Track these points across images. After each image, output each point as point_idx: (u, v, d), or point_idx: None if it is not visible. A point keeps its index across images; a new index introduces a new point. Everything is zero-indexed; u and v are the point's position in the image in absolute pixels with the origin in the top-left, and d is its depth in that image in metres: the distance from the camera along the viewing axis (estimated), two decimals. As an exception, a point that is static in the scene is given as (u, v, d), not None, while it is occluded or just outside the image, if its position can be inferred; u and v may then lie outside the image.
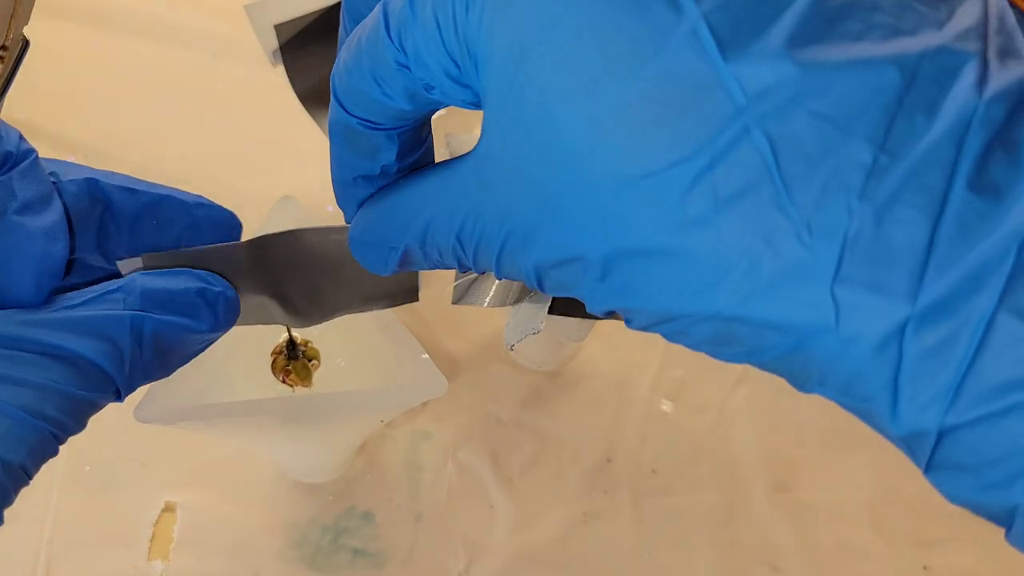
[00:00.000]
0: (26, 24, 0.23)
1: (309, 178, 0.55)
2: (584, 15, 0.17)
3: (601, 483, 0.44)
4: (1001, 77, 0.17)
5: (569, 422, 0.46)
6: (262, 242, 0.27)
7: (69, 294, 0.24)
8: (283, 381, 0.37)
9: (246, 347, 0.38)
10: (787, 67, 0.17)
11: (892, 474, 0.46)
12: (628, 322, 0.21)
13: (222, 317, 0.26)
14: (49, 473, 0.42)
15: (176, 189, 0.28)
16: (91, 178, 0.27)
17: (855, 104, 0.17)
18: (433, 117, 0.42)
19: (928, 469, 0.18)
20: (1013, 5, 0.19)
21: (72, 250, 0.26)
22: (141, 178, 0.28)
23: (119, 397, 0.24)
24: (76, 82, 0.57)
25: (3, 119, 0.24)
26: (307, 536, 0.42)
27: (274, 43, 0.40)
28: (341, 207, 0.26)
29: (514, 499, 0.44)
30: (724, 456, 0.46)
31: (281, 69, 0.41)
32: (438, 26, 0.19)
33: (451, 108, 0.42)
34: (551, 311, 0.32)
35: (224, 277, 0.26)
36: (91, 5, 0.63)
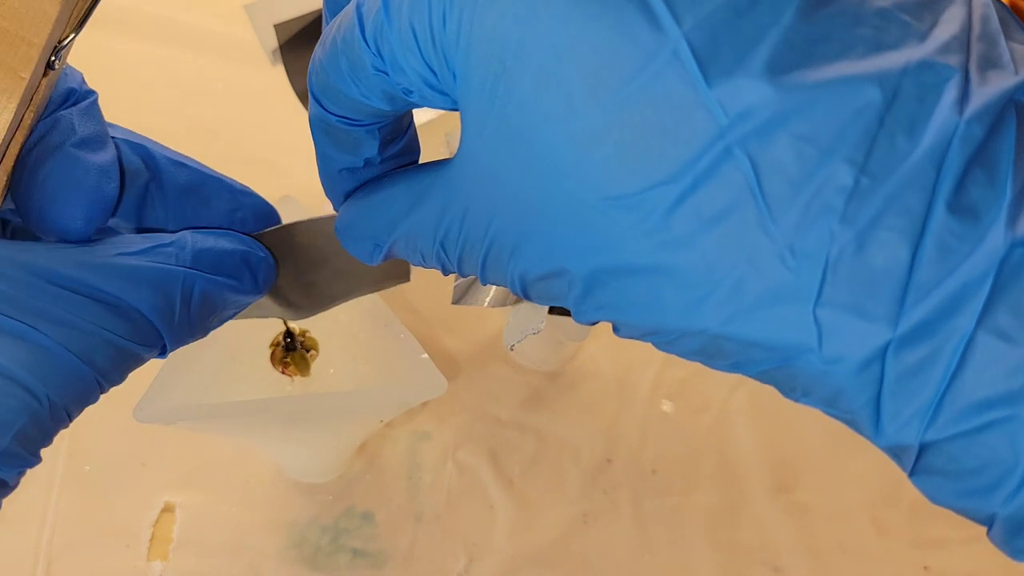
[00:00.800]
0: None
1: (309, 177, 0.54)
2: (563, 34, 0.17)
3: (601, 483, 0.44)
4: (981, 94, 0.17)
5: (569, 422, 0.46)
6: (256, 239, 0.27)
7: (122, 237, 0.24)
8: (282, 372, 0.36)
9: (245, 347, 0.38)
10: (768, 88, 0.17)
11: (893, 475, 0.46)
12: (616, 331, 0.21)
13: (262, 281, 0.26)
14: (49, 473, 0.42)
15: (222, 174, 0.28)
16: (143, 144, 0.26)
17: (836, 125, 0.17)
18: (433, 118, 0.43)
19: (912, 474, 0.18)
20: (1015, 7, 0.18)
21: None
22: None
23: (163, 353, 0.24)
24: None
25: None
26: (306, 536, 0.42)
27: (274, 43, 0.40)
28: (328, 198, 0.26)
29: (514, 499, 0.44)
30: (725, 456, 0.46)
31: (280, 69, 0.41)
32: (415, 35, 0.19)
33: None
34: (551, 311, 0.32)
35: None
36: (91, 5, 0.63)
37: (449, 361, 0.48)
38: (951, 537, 0.44)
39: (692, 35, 0.17)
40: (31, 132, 0.23)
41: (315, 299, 0.30)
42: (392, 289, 0.31)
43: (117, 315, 0.22)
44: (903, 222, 0.16)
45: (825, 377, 0.18)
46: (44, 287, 0.21)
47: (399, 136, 0.24)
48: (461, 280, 0.35)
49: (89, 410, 0.23)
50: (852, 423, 0.19)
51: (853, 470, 0.46)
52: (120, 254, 0.23)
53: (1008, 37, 0.18)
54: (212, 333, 0.26)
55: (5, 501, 0.22)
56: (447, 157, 0.41)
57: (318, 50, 0.22)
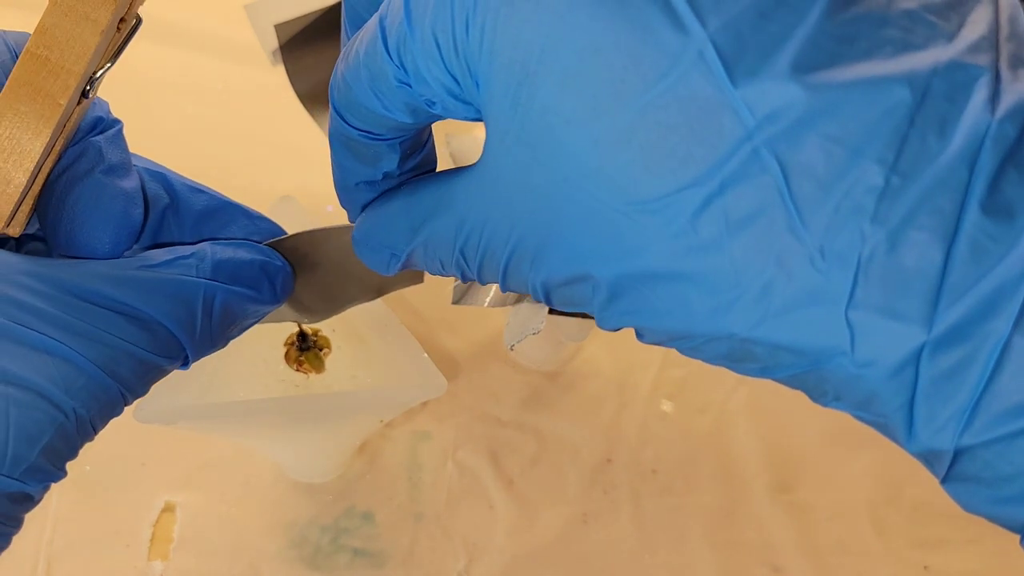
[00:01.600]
0: (143, 2, 0.24)
1: (309, 178, 0.55)
2: (587, 36, 0.17)
3: (601, 483, 0.44)
4: (1013, 92, 0.17)
5: (569, 422, 0.46)
6: (273, 247, 0.27)
7: (144, 253, 0.24)
8: (297, 370, 0.37)
9: (246, 347, 0.38)
10: (796, 88, 0.16)
11: (893, 474, 0.46)
12: (640, 336, 0.20)
13: (280, 291, 0.27)
14: (49, 473, 0.42)
15: (238, 201, 0.28)
16: (161, 172, 0.27)
17: (866, 125, 0.16)
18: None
19: (945, 480, 0.18)
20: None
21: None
22: None
23: (185, 364, 0.24)
24: (76, 82, 0.56)
25: None
26: (307, 536, 0.42)
27: (274, 43, 0.40)
28: (345, 209, 0.26)
29: (514, 499, 0.44)
30: (724, 456, 0.46)
31: (281, 69, 0.41)
32: (437, 45, 0.19)
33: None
34: (551, 311, 0.32)
35: None
36: (91, 5, 0.63)
37: (449, 361, 0.48)
38: (951, 537, 0.44)
39: (717, 36, 0.17)
40: (60, 158, 0.24)
41: (329, 303, 0.30)
42: (392, 290, 0.31)
43: (141, 328, 0.22)
44: (936, 222, 0.16)
45: (857, 381, 0.18)
46: (71, 301, 0.21)
47: (419, 149, 0.24)
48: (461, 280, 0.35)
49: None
50: (884, 428, 0.19)
51: (853, 470, 0.46)
52: (143, 267, 0.23)
53: None
54: None
55: None
56: (448, 158, 0.41)
57: (340, 65, 0.22)
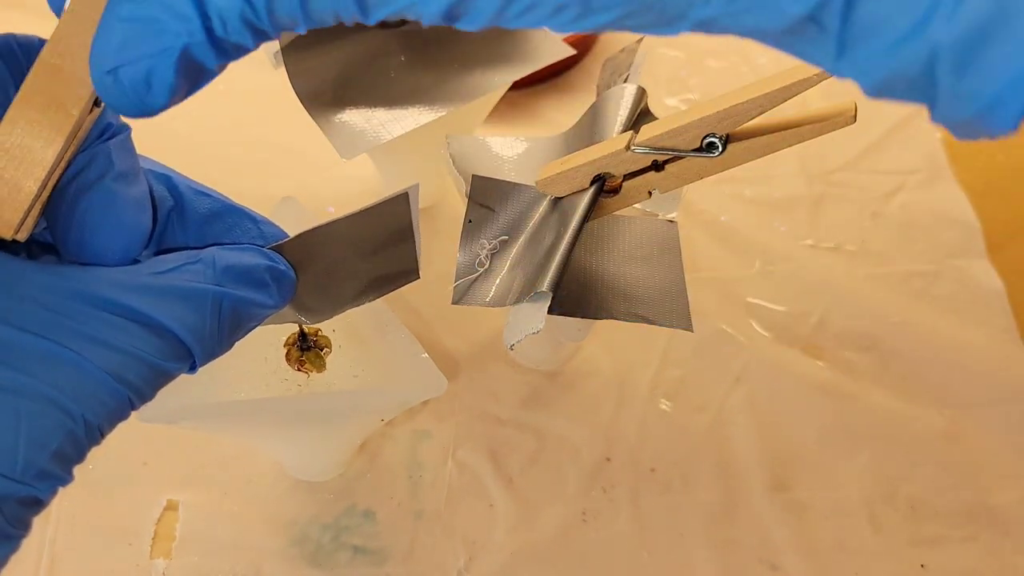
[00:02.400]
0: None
1: (310, 179, 0.55)
2: None
3: (600, 482, 0.45)
4: None
5: (568, 421, 0.47)
6: (274, 250, 0.27)
7: (153, 260, 0.24)
8: (298, 370, 0.37)
9: (248, 347, 0.38)
10: None
11: (890, 473, 0.46)
12: None
13: (285, 294, 0.27)
14: (52, 472, 0.42)
15: (243, 205, 0.28)
16: (166, 174, 0.27)
17: None
18: (432, 118, 0.43)
19: (840, 53, 0.18)
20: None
21: None
22: None
23: (192, 369, 0.25)
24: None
25: None
26: (308, 534, 0.42)
27: (275, 45, 0.40)
28: None
29: (514, 498, 0.44)
30: (723, 455, 0.46)
31: (282, 71, 0.41)
32: None
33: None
34: (551, 311, 0.32)
35: None
36: (93, 6, 0.64)
37: (449, 360, 0.48)
38: (948, 535, 0.44)
39: None
40: (69, 164, 0.24)
41: (329, 303, 0.30)
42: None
43: (151, 334, 0.23)
44: None
45: None
46: (82, 309, 0.22)
47: None
48: (461, 280, 0.36)
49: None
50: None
51: (850, 468, 0.46)
52: (153, 274, 0.23)
53: None
54: None
55: None
56: (448, 158, 0.41)
57: None
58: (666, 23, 0.20)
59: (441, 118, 0.41)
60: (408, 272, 0.31)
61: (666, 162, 0.34)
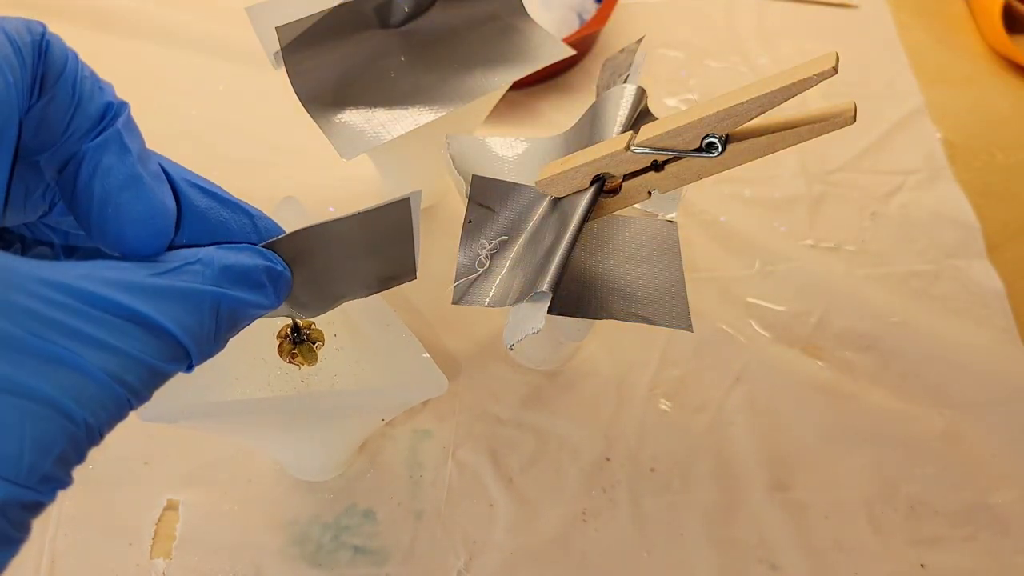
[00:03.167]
0: None
1: (310, 178, 0.55)
2: None
3: (600, 482, 0.45)
4: None
5: (568, 421, 0.47)
6: (269, 246, 0.27)
7: (152, 259, 0.24)
8: (290, 362, 0.37)
9: (247, 345, 0.39)
10: None
11: (889, 473, 0.46)
12: None
13: (281, 294, 0.27)
14: (52, 471, 0.42)
15: (239, 199, 0.28)
16: (161, 163, 0.26)
17: None
18: (433, 118, 0.43)
19: None
20: (1012, 8, 0.18)
21: None
22: None
23: (189, 369, 0.25)
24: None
25: None
26: (308, 534, 0.42)
27: (275, 45, 0.40)
28: None
29: (514, 497, 0.44)
30: (722, 455, 0.46)
31: (282, 71, 0.41)
32: None
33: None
34: (551, 311, 0.32)
35: None
36: (91, 6, 0.64)
37: (449, 360, 0.48)
38: (947, 535, 0.44)
39: None
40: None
41: (324, 299, 0.30)
42: (393, 289, 0.31)
43: (151, 335, 0.23)
44: None
45: None
46: (83, 310, 0.21)
47: None
48: (462, 280, 0.36)
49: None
50: None
51: (850, 468, 0.46)
52: (152, 274, 0.23)
53: None
54: None
55: None
56: (448, 158, 0.41)
57: None
58: None
59: (441, 118, 0.41)
60: (405, 273, 0.31)
61: (666, 162, 0.34)
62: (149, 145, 0.26)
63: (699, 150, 0.33)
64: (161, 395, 0.34)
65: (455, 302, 0.35)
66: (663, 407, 0.47)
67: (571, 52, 0.44)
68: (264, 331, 0.38)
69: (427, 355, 0.37)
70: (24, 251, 0.27)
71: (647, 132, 0.34)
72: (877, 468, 0.46)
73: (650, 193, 0.35)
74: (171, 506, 0.43)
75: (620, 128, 0.37)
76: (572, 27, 0.61)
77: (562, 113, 0.60)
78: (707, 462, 0.46)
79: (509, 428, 0.46)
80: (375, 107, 0.42)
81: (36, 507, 0.22)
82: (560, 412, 0.47)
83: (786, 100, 0.30)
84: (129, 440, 0.44)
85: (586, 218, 0.35)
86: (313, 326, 0.38)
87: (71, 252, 0.29)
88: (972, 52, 0.69)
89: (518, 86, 0.58)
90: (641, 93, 0.38)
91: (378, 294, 0.35)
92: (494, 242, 0.37)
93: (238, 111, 0.58)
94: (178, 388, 0.35)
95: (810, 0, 0.71)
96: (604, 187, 0.35)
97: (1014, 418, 0.48)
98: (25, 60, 0.23)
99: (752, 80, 0.32)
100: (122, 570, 0.41)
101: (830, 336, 0.51)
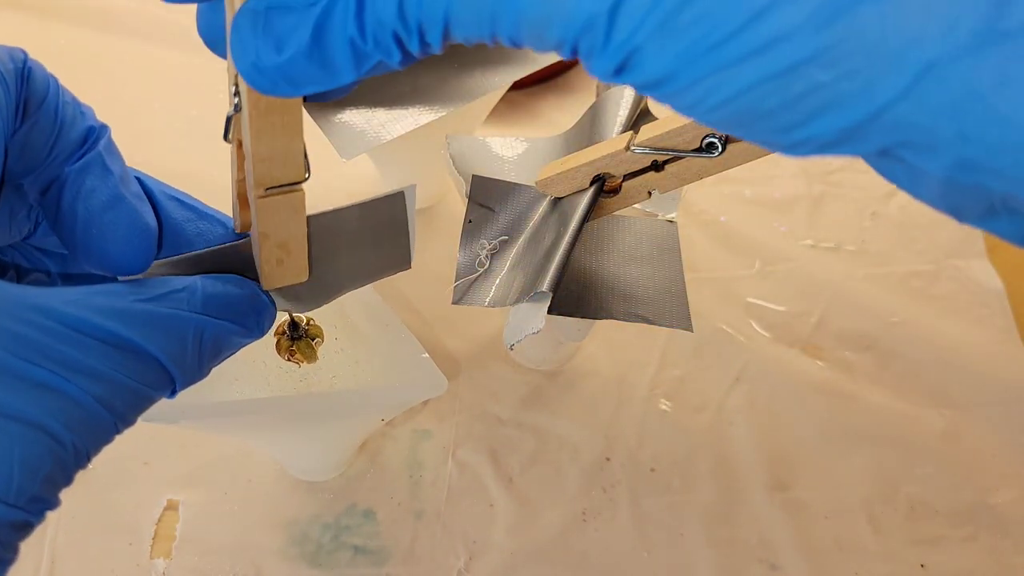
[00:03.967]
0: None
1: (310, 179, 0.55)
2: None
3: (600, 481, 0.45)
4: None
5: (568, 421, 0.47)
6: None
7: (137, 284, 0.25)
8: (288, 359, 0.37)
9: (248, 347, 0.39)
10: None
11: (889, 473, 0.46)
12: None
13: (264, 325, 0.27)
14: (52, 471, 0.42)
15: (215, 209, 0.28)
16: (140, 178, 0.27)
17: None
18: (433, 118, 0.43)
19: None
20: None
21: None
22: None
23: (172, 394, 0.25)
24: (75, 83, 0.57)
25: None
26: (308, 534, 0.42)
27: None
28: None
29: (514, 497, 0.44)
30: (722, 455, 0.46)
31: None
32: None
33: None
34: (551, 311, 0.32)
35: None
36: (90, 6, 0.64)
37: (449, 360, 0.48)
38: (947, 535, 0.44)
39: None
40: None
41: (319, 291, 0.30)
42: (393, 289, 0.31)
43: (137, 361, 0.23)
44: None
45: None
46: (71, 336, 0.22)
47: None
48: (461, 280, 0.36)
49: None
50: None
51: (850, 468, 0.46)
52: (138, 300, 0.24)
53: None
54: None
55: None
56: (448, 158, 0.41)
57: None
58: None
59: (441, 118, 0.41)
60: (399, 261, 0.31)
61: (666, 162, 0.34)
62: (154, 141, 0.26)
63: (699, 150, 0.33)
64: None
65: (455, 302, 0.35)
66: (663, 407, 0.47)
67: (571, 52, 0.44)
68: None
69: (426, 355, 0.37)
70: (20, 279, 0.28)
71: (647, 132, 0.34)
72: (877, 468, 0.46)
73: (650, 193, 0.35)
74: (171, 506, 0.43)
75: (620, 128, 0.37)
76: (572, 27, 0.61)
77: (562, 113, 0.60)
78: (707, 462, 0.46)
79: (509, 428, 0.46)
80: (375, 107, 0.42)
81: (25, 528, 0.22)
82: (560, 412, 0.47)
83: (786, 100, 0.30)
84: (129, 440, 0.44)
85: (586, 218, 0.35)
86: (311, 322, 0.38)
87: (67, 280, 0.29)
88: (972, 52, 0.69)
89: (518, 86, 0.58)
90: (641, 93, 0.38)
91: (378, 295, 0.35)
92: (494, 242, 0.37)
93: (238, 111, 0.58)
94: (178, 388, 0.35)
95: None
96: (604, 187, 0.35)
97: (1014, 418, 0.48)
98: (9, 86, 0.24)
99: (752, 80, 0.32)
100: (122, 570, 0.41)
101: (830, 336, 0.51)
